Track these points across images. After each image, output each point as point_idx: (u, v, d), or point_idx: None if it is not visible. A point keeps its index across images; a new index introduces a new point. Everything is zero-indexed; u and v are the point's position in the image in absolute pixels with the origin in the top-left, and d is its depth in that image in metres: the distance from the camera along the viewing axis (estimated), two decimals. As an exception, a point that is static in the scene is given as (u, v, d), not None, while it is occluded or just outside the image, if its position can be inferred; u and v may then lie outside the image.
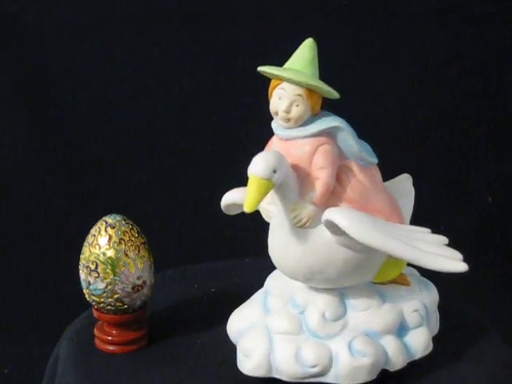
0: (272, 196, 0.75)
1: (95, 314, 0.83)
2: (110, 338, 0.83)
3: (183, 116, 1.46)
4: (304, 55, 0.76)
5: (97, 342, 0.83)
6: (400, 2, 1.46)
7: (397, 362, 0.79)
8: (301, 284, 0.80)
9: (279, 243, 0.77)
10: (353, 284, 0.79)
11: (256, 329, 0.78)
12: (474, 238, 1.50)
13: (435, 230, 0.79)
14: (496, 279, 1.53)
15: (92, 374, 0.79)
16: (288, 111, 0.75)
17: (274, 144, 0.77)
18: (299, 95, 0.75)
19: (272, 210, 0.77)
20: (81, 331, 0.87)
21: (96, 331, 0.84)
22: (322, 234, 0.75)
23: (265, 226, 0.81)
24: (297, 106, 0.75)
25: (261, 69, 0.76)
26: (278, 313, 0.79)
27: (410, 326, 0.80)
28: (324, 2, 1.42)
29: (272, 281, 0.84)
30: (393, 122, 1.40)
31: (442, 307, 0.84)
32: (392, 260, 0.79)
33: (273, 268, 0.89)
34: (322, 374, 0.76)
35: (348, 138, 0.76)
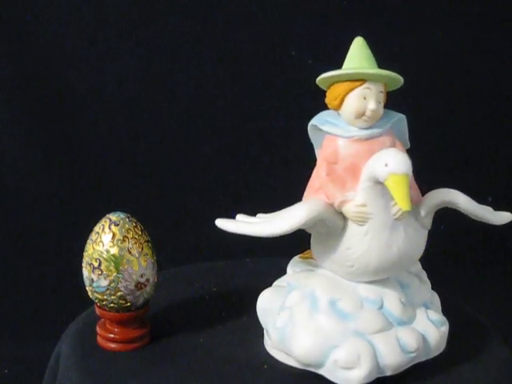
0: (365, 197, 0.74)
1: (98, 311, 0.82)
2: (112, 335, 0.83)
3: (187, 117, 1.46)
4: (362, 53, 0.75)
5: (99, 339, 0.83)
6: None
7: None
8: (352, 283, 0.78)
9: (382, 244, 0.75)
10: None
11: (347, 338, 0.76)
12: (474, 237, 1.51)
13: None
14: (496, 279, 1.53)
15: (94, 371, 0.79)
16: (377, 110, 0.74)
17: (342, 147, 0.76)
18: (381, 92, 0.75)
19: (371, 210, 0.74)
20: (83, 329, 0.86)
21: (98, 329, 0.84)
22: (412, 220, 0.76)
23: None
24: (379, 103, 0.75)
25: (335, 72, 0.74)
26: (362, 315, 0.77)
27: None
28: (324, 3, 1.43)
29: (328, 288, 0.79)
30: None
31: (442, 308, 0.85)
32: None
33: (273, 268, 0.89)
34: (420, 354, 0.77)
35: (405, 127, 0.78)
